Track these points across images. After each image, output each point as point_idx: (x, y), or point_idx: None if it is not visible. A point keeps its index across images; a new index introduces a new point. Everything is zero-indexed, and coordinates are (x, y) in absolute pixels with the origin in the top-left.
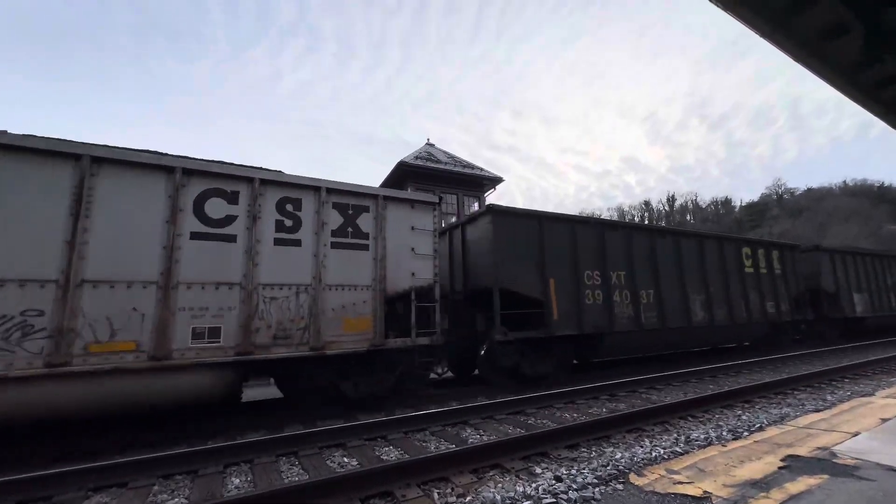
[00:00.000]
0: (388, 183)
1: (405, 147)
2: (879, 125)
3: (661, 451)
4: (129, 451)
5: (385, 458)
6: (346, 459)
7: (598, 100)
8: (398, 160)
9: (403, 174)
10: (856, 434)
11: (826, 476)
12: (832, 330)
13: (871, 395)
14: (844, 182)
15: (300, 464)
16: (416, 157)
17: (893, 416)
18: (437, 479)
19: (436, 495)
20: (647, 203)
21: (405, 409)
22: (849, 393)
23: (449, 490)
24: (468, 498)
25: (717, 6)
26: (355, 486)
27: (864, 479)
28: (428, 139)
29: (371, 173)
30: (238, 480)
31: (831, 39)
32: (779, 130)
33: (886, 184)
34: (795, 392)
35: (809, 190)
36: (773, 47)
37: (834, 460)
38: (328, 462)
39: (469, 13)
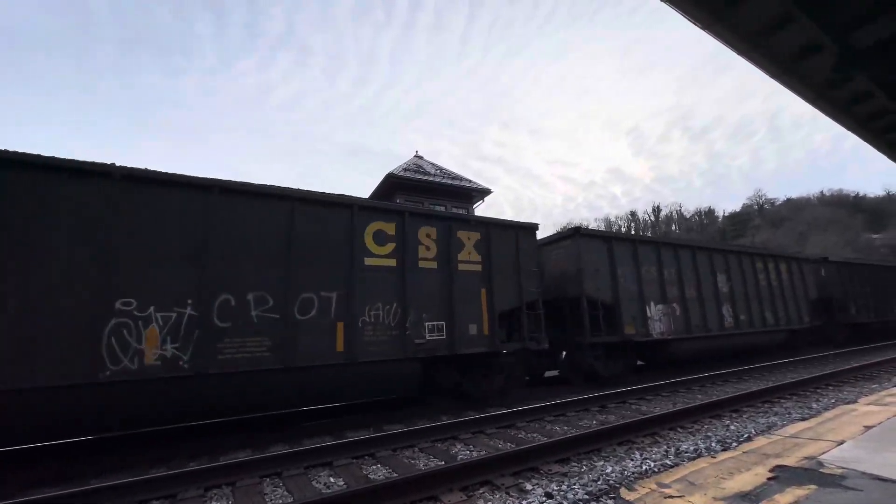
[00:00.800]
0: (377, 195)
1: (394, 159)
2: (852, 138)
3: (652, 464)
4: (105, 476)
5: (373, 476)
6: (332, 479)
7: (585, 114)
8: (387, 172)
9: (392, 186)
10: (841, 442)
11: (814, 486)
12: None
13: (854, 402)
14: (822, 192)
15: (284, 485)
16: (406, 170)
17: (876, 423)
18: (427, 499)
19: None
20: (633, 213)
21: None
22: (833, 400)
23: None
24: None
25: (696, 25)
26: None
27: (850, 488)
28: (417, 151)
29: (360, 185)
30: None
31: (805, 58)
32: (758, 143)
33: (861, 194)
34: (782, 400)
35: (789, 200)
36: (752, 65)
37: (821, 470)
38: (314, 483)
39: (457, 28)
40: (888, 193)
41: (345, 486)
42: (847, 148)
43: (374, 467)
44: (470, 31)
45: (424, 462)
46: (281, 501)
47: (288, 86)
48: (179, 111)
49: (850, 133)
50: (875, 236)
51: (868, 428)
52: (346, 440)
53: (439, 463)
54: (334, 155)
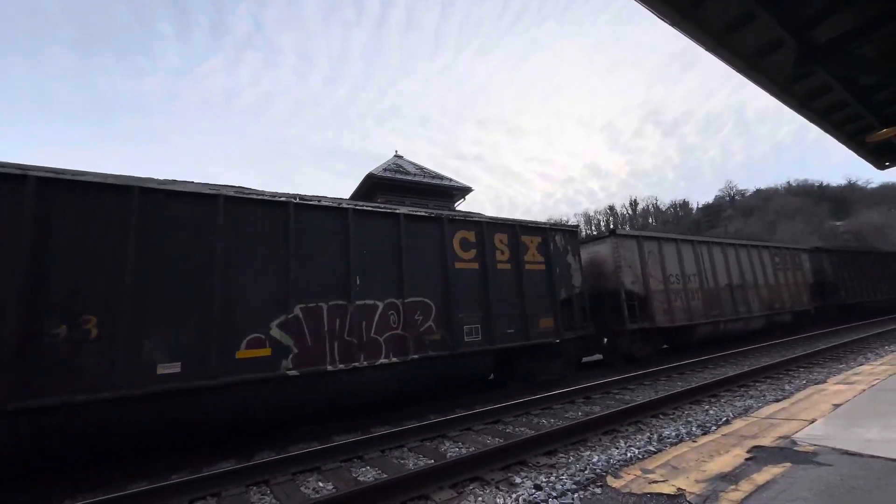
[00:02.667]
0: (357, 196)
1: (371, 160)
2: (814, 130)
3: (636, 451)
4: (81, 494)
5: (362, 479)
6: (321, 484)
7: (560, 111)
8: (366, 173)
9: (373, 186)
10: (813, 421)
11: (788, 464)
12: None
13: (824, 382)
14: (788, 183)
15: (272, 493)
16: (385, 170)
17: (844, 401)
18: (417, 498)
19: None
20: (611, 208)
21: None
22: (804, 382)
23: None
24: None
25: (666, 22)
26: None
27: (822, 464)
28: (396, 151)
29: (338, 187)
30: None
31: (768, 54)
32: (727, 136)
33: (825, 183)
34: (757, 384)
35: (758, 191)
36: (720, 60)
37: (795, 448)
38: (302, 489)
39: (429, 28)
40: (849, 182)
41: (334, 490)
42: (810, 139)
43: (364, 469)
44: (442, 29)
45: (413, 461)
46: None
47: (257, 87)
48: (143, 114)
49: (812, 125)
50: (838, 223)
51: (837, 406)
52: (334, 444)
53: (429, 462)
54: (310, 157)
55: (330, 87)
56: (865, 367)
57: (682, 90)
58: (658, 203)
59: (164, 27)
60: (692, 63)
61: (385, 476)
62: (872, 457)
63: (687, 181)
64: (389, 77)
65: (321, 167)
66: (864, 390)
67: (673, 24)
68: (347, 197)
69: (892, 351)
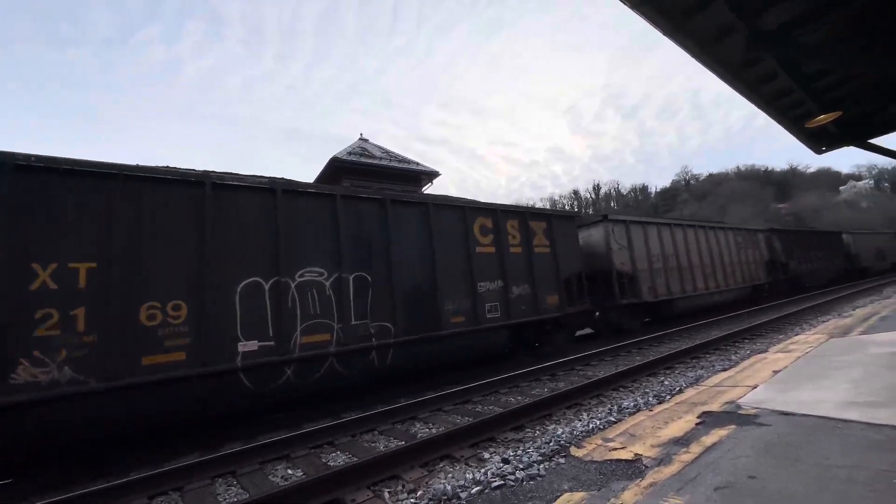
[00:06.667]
0: (321, 179)
1: (334, 142)
2: (761, 116)
3: (598, 423)
4: (33, 497)
5: (332, 463)
6: (290, 471)
7: (524, 93)
8: (330, 156)
9: (337, 170)
10: (755, 387)
11: (734, 426)
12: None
13: (766, 351)
14: (738, 168)
15: (239, 483)
16: (350, 153)
17: (782, 367)
18: (388, 478)
19: (386, 495)
20: (575, 192)
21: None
22: (748, 351)
23: (400, 487)
24: (419, 492)
25: (626, 5)
26: (300, 497)
27: (763, 425)
28: (361, 134)
29: (302, 171)
30: None
31: (722, 40)
32: (683, 120)
33: (770, 168)
34: (707, 355)
35: (711, 175)
36: (676, 45)
37: (739, 412)
38: (270, 477)
39: (387, 2)
40: (791, 167)
41: (304, 476)
42: (757, 126)
43: (334, 454)
44: (399, 3)
45: (385, 444)
46: (236, 499)
47: (202, 60)
48: (72, 88)
49: (759, 112)
50: (781, 206)
51: (776, 372)
52: (303, 430)
53: (399, 443)
54: (267, 138)
55: (283, 63)
56: (801, 337)
57: (643, 74)
58: (619, 187)
59: None
60: (653, 46)
61: (356, 459)
62: (805, 415)
63: (646, 165)
64: (347, 54)
65: (282, 150)
66: (799, 357)
67: (633, 6)
68: (312, 181)
69: (824, 321)
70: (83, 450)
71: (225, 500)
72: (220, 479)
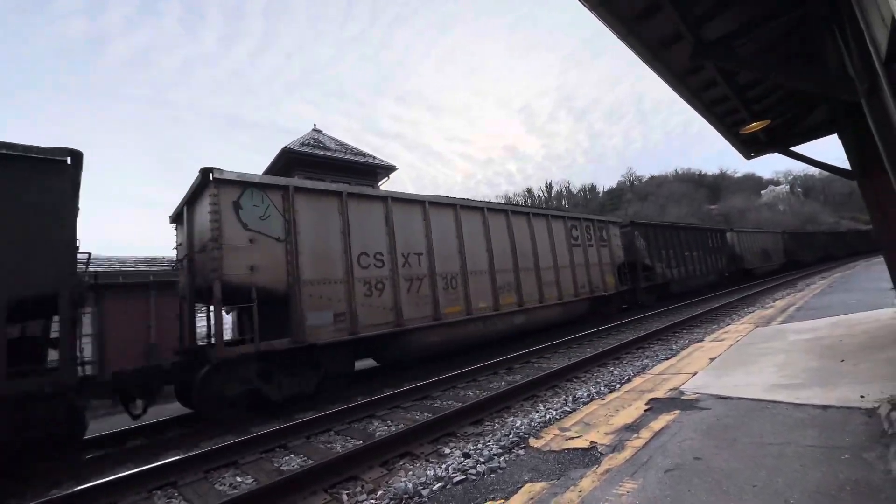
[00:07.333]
0: (271, 171)
1: (282, 133)
2: (698, 122)
3: (554, 413)
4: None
5: (286, 468)
6: (239, 479)
7: (479, 91)
8: (281, 147)
9: (289, 162)
10: (695, 374)
11: (678, 411)
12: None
13: (702, 340)
14: (675, 171)
15: (180, 495)
16: (303, 144)
17: (717, 355)
18: (346, 480)
19: (345, 497)
20: (529, 190)
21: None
22: (687, 341)
23: (359, 488)
24: (380, 492)
25: (585, 6)
26: None
27: (703, 409)
28: (315, 125)
29: (248, 162)
30: None
31: (669, 46)
32: (629, 123)
33: (704, 172)
34: (651, 345)
35: (652, 177)
36: (626, 50)
37: (682, 398)
38: (217, 486)
39: None
40: (721, 172)
41: (254, 483)
42: (693, 132)
43: (287, 458)
44: None
45: (342, 444)
46: None
47: (132, 37)
48: None
49: (696, 117)
50: (712, 207)
51: (712, 360)
52: (251, 435)
53: (357, 443)
54: (205, 124)
55: (226, 46)
56: (732, 327)
57: (592, 78)
58: (570, 186)
59: None
60: (598, 55)
61: (311, 461)
62: (739, 398)
63: (595, 165)
64: (297, 40)
65: (224, 138)
66: (731, 345)
67: (591, 7)
68: (262, 173)
69: (750, 311)
70: None
71: None
72: (158, 492)
